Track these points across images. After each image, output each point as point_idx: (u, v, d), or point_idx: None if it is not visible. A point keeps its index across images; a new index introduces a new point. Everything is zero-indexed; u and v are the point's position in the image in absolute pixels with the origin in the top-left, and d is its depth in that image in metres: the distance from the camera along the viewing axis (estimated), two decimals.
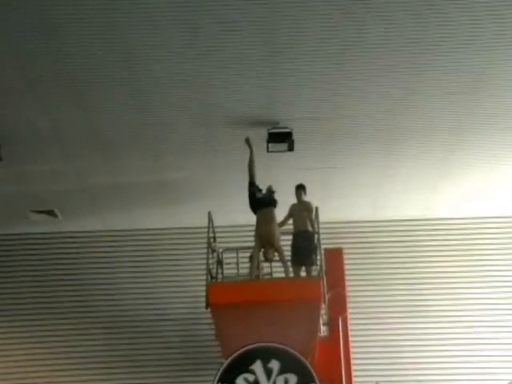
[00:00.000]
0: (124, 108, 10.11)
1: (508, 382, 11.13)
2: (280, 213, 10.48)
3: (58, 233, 13.60)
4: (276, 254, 10.30)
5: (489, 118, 10.58)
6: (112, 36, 8.65)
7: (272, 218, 10.25)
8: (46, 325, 13.21)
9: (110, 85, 9.59)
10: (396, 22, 8.60)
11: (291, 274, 10.32)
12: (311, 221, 10.54)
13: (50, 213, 12.91)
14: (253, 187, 10.41)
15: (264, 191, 10.50)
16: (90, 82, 9.53)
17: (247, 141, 10.48)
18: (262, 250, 10.29)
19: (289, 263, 10.39)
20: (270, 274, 11.12)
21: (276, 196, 10.46)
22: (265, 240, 10.17)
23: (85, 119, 10.32)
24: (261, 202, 10.35)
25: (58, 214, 13.00)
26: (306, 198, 10.77)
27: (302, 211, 10.61)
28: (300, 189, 10.79)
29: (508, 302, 13.23)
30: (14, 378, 12.92)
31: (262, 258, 10.43)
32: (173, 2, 8.18)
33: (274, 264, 10.87)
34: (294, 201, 10.80)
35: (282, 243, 10.31)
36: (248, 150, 10.49)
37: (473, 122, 10.68)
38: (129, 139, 10.89)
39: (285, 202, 10.68)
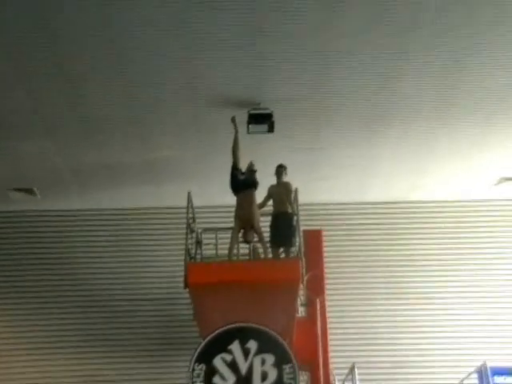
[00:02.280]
0: (108, 88, 10.08)
1: (475, 368, 11.20)
2: (260, 194, 10.47)
3: (37, 211, 13.52)
4: (255, 235, 10.30)
5: (472, 101, 10.62)
6: (98, 16, 8.61)
7: (252, 199, 10.24)
8: (22, 303, 13.18)
9: (94, 64, 9.55)
10: (380, 6, 8.59)
11: (270, 255, 10.33)
12: (290, 202, 10.54)
13: (30, 191, 12.84)
14: (235, 170, 10.40)
15: (245, 170, 10.47)
16: (75, 62, 9.48)
17: (233, 120, 10.44)
18: (242, 231, 10.28)
19: (268, 244, 10.40)
20: (249, 255, 11.10)
21: (258, 177, 10.43)
22: (244, 221, 10.17)
23: (69, 98, 10.27)
24: (242, 184, 10.34)
25: (38, 193, 12.95)
26: (286, 178, 10.75)
27: (282, 192, 10.60)
28: (281, 169, 10.76)
29: (486, 285, 13.34)
30: None
31: (241, 239, 10.42)
32: None
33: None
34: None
35: (261, 224, 10.32)
36: (233, 131, 10.45)
37: (455, 105, 10.72)
38: (112, 119, 10.85)
39: (267, 184, 10.69)
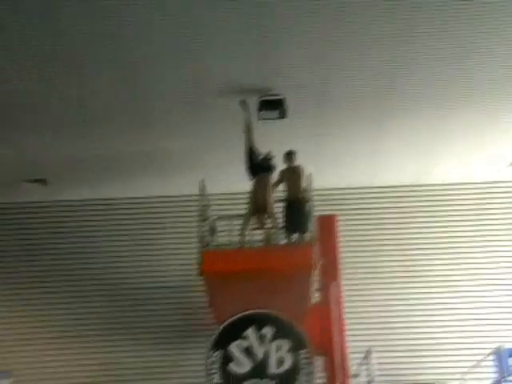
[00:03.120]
0: (116, 78, 10.08)
1: (491, 350, 11.21)
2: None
3: (50, 202, 13.61)
4: (269, 220, 10.26)
5: (482, 84, 10.55)
6: (101, 10, 8.62)
7: (268, 183, 10.18)
8: (42, 293, 13.30)
9: (100, 55, 9.54)
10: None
11: (283, 241, 10.34)
12: (302, 186, 10.51)
13: (42, 182, 12.91)
14: (251, 151, 10.34)
15: (262, 156, 10.43)
16: (83, 56, 9.50)
17: (242, 104, 10.38)
18: (256, 215, 10.25)
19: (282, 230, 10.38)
20: (264, 240, 11.10)
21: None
22: (259, 206, 10.10)
23: (76, 89, 10.28)
24: (258, 167, 10.29)
25: (50, 184, 13.01)
26: (297, 163, 10.74)
27: (294, 177, 10.57)
28: (290, 155, 10.74)
29: (502, 266, 13.29)
30: (13, 345, 13.02)
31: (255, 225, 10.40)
32: None
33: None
34: None
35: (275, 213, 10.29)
36: (242, 117, 10.42)
37: (468, 88, 10.64)
38: (123, 109, 10.85)
39: (278, 171, 10.68)
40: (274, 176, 10.45)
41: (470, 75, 10.31)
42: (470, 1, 8.76)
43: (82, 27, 9.00)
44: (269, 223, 10.31)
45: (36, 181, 12.86)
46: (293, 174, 10.61)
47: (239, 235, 10.14)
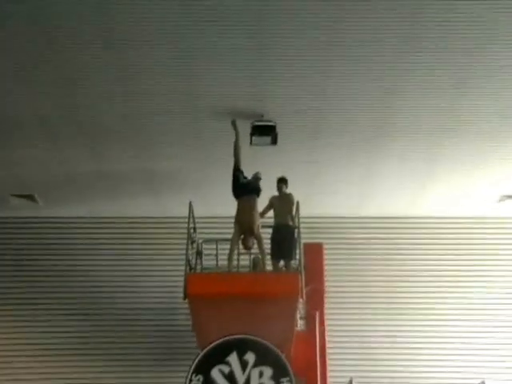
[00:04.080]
0: (110, 96, 10.08)
1: (480, 381, 11.23)
2: (260, 204, 10.43)
3: (38, 218, 13.53)
4: (255, 241, 10.21)
5: (476, 119, 10.62)
6: (100, 23, 8.64)
7: (253, 205, 10.09)
8: (22, 309, 13.18)
9: (96, 73, 9.56)
10: (382, 22, 8.64)
11: (268, 265, 10.31)
12: (292, 214, 10.53)
13: (30, 198, 12.86)
14: (237, 172, 10.31)
15: (250, 177, 10.42)
16: (77, 70, 9.49)
17: (233, 123, 10.38)
18: (241, 237, 10.18)
19: (268, 255, 10.36)
20: (249, 266, 11.10)
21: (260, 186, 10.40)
22: (245, 227, 10.01)
23: (71, 106, 10.28)
24: (244, 187, 10.23)
25: (38, 200, 12.97)
26: (288, 190, 10.75)
27: (284, 204, 10.59)
28: (282, 181, 10.76)
29: (486, 302, 13.33)
30: None
31: (241, 247, 10.36)
32: None
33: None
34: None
35: (262, 236, 10.27)
36: (233, 138, 10.42)
37: (459, 122, 10.71)
38: (114, 127, 10.86)
39: (268, 196, 10.68)
40: (261, 199, 10.43)
41: (460, 110, 10.37)
42: (465, 33, 8.87)
43: (82, 47, 9.01)
44: (256, 247, 10.28)
45: (23, 196, 12.81)
46: (283, 201, 10.63)
47: (227, 259, 10.11)
